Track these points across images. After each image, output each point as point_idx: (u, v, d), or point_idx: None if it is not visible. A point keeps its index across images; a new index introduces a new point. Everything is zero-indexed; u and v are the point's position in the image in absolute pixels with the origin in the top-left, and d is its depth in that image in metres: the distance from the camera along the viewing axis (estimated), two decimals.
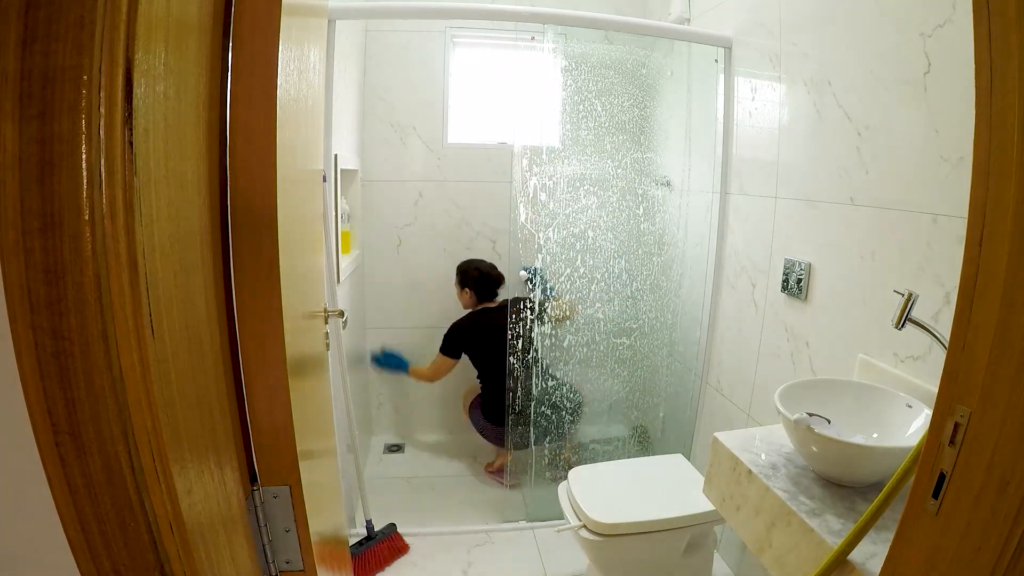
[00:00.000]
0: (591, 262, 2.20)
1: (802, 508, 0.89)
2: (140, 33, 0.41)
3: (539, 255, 2.10)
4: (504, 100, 2.59)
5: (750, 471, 1.01)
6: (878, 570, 0.60)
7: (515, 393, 2.17)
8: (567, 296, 2.21)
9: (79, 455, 0.41)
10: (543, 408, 2.21)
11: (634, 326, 2.29)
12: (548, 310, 2.17)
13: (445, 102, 2.56)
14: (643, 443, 2.44)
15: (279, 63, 0.61)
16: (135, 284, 0.41)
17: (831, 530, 0.84)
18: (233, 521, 0.58)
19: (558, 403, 2.24)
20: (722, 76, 1.87)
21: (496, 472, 2.46)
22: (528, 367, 2.15)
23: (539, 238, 2.08)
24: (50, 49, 0.38)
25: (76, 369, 0.40)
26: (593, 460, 2.19)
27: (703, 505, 1.50)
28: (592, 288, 2.23)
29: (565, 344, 2.25)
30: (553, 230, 2.11)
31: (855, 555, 0.77)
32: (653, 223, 2.27)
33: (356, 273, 2.40)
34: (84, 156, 0.38)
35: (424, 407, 2.79)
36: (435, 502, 2.29)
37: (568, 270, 2.16)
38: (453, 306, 2.69)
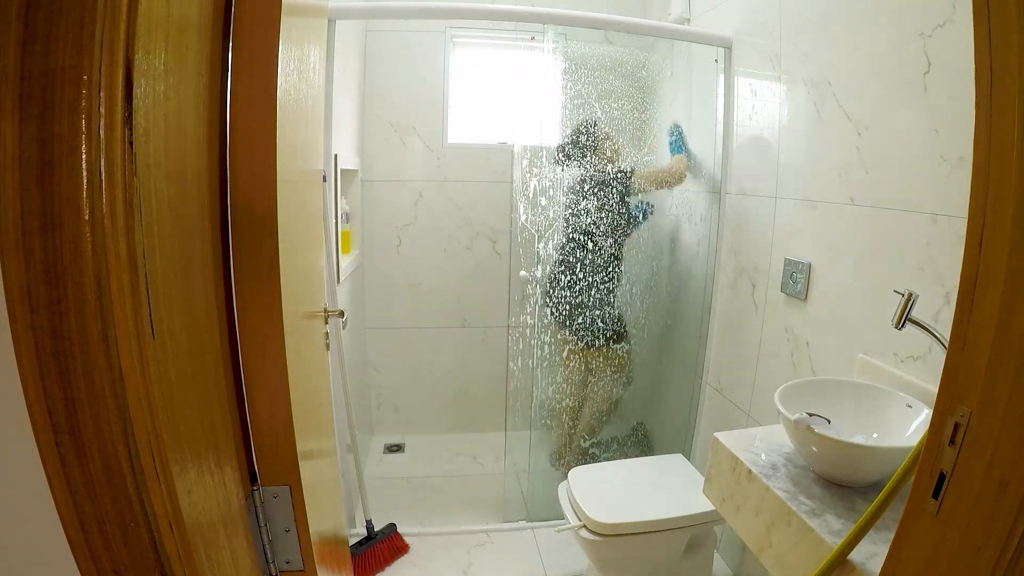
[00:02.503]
0: (591, 266, 2.19)
1: (802, 508, 0.89)
2: (140, 33, 0.41)
3: (538, 263, 2.09)
4: (504, 100, 2.58)
5: (750, 471, 1.01)
6: (878, 570, 0.60)
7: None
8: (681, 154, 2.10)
9: (79, 455, 0.41)
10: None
11: (634, 330, 2.29)
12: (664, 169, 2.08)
13: (445, 102, 2.56)
14: (643, 443, 2.44)
15: (279, 63, 0.61)
16: (135, 284, 0.41)
17: (831, 530, 0.84)
18: (233, 521, 0.58)
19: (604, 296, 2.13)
20: (722, 76, 1.87)
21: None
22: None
23: (538, 245, 2.08)
24: (50, 49, 0.38)
25: (76, 369, 0.40)
26: (593, 460, 2.20)
27: (703, 505, 1.50)
28: (592, 292, 2.22)
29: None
30: (553, 234, 2.10)
31: (855, 555, 0.77)
32: (653, 224, 2.27)
33: (356, 273, 2.40)
34: (84, 156, 0.38)
35: (424, 407, 2.79)
36: (435, 502, 2.28)
37: (568, 276, 2.15)
38: (453, 306, 2.70)
